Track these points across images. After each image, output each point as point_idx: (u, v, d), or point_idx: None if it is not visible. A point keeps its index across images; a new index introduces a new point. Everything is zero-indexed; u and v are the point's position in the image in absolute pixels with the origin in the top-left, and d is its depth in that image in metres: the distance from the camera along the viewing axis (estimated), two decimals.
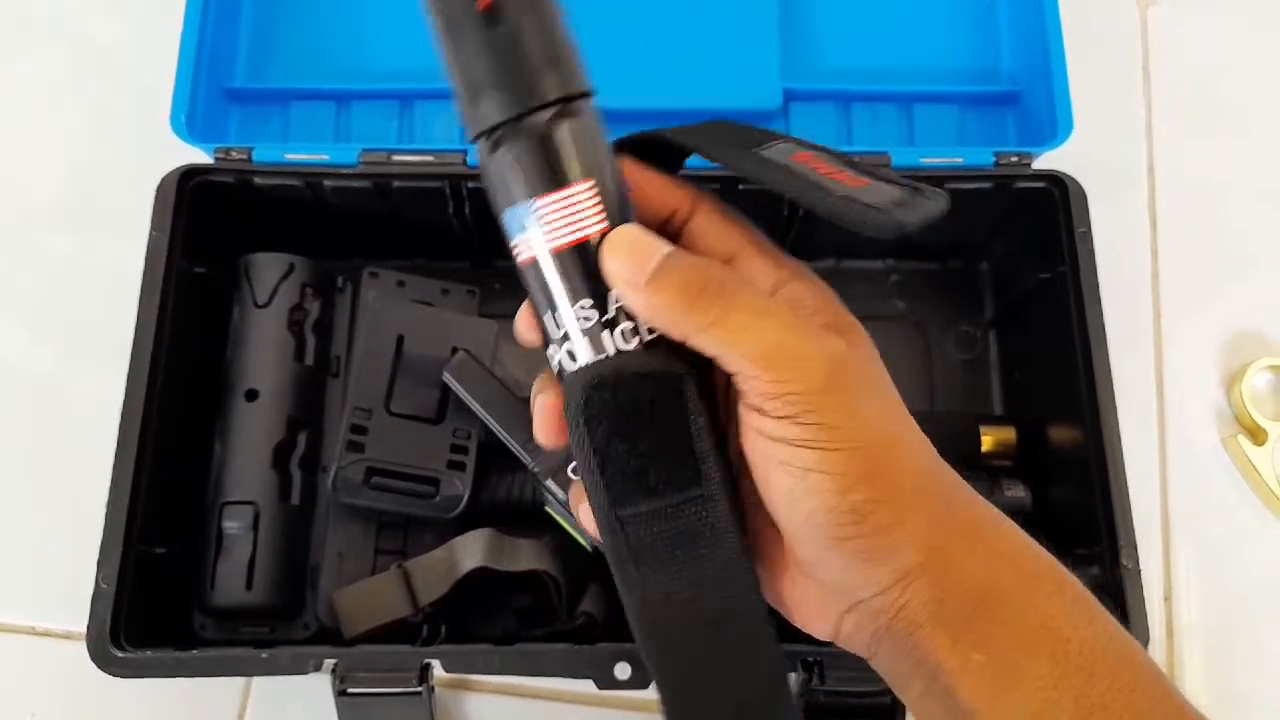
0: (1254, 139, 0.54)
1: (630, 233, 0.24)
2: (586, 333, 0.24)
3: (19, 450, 0.48)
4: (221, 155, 0.43)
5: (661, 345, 0.24)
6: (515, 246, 0.24)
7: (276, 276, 0.46)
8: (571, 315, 0.24)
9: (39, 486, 0.47)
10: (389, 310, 0.45)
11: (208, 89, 0.45)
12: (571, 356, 0.24)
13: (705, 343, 0.23)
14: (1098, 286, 0.42)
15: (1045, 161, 0.44)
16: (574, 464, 0.25)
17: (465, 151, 0.43)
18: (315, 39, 0.49)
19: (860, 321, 0.25)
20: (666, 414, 0.23)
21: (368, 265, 0.48)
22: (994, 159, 0.44)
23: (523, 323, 0.25)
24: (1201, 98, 0.54)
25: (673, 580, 0.25)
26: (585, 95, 0.24)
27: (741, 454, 0.24)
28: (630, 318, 0.24)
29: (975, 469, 0.45)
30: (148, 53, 0.51)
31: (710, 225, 0.26)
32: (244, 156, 0.43)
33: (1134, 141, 0.53)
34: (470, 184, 0.43)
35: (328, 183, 0.43)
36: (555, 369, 0.25)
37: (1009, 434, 0.46)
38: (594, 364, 0.24)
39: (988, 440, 0.45)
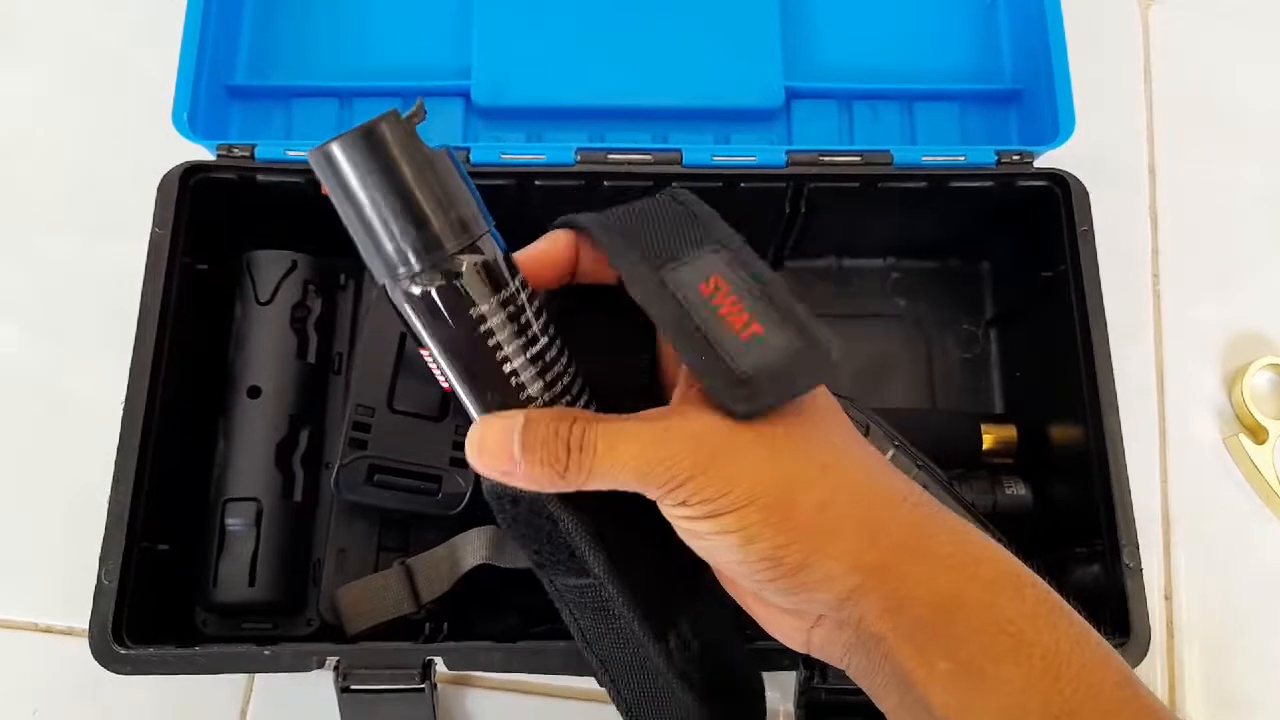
0: (1255, 138, 0.54)
1: (479, 436, 0.26)
2: None
3: (21, 447, 0.48)
4: (224, 152, 0.43)
5: None
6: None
7: (279, 274, 0.46)
8: None
9: (41, 483, 0.47)
10: (391, 308, 0.45)
11: (210, 86, 0.45)
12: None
13: (592, 488, 0.25)
14: (1099, 285, 0.42)
15: (1047, 160, 0.44)
16: None
17: (468, 149, 0.43)
18: (317, 36, 0.49)
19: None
20: (540, 526, 0.27)
21: None
22: (996, 157, 0.44)
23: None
24: (1203, 97, 0.54)
25: (593, 626, 0.29)
26: (413, 273, 0.25)
27: None
28: None
29: (976, 467, 0.45)
30: (149, 50, 0.51)
31: None
32: (246, 154, 0.43)
33: (1135, 140, 0.54)
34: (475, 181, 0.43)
35: None
36: None
37: (1010, 432, 0.46)
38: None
39: (989, 439, 0.45)
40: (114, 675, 0.37)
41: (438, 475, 0.43)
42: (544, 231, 0.29)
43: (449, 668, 0.38)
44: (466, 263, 0.25)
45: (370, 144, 0.24)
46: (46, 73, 0.54)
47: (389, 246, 0.25)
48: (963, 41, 0.50)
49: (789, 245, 0.49)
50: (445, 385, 0.27)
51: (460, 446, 0.43)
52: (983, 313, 0.50)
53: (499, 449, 0.25)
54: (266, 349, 0.45)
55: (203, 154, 0.44)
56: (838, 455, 0.26)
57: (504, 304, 0.26)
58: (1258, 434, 0.48)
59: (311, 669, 0.37)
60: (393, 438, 0.43)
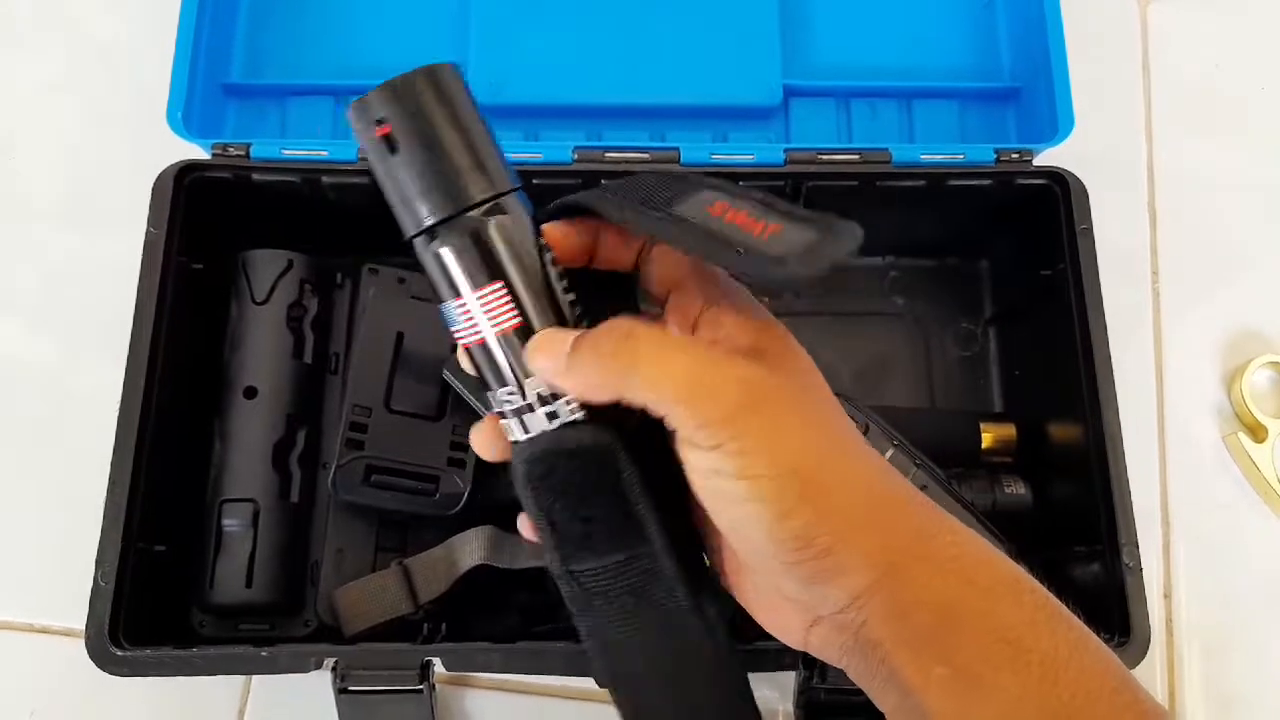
0: (1254, 136, 0.54)
1: (543, 336, 0.25)
2: (517, 412, 0.26)
3: (19, 447, 0.48)
4: (219, 151, 0.43)
5: (590, 418, 0.26)
6: (453, 335, 0.27)
7: (275, 273, 0.46)
8: (503, 397, 0.26)
9: (40, 483, 0.47)
10: (388, 307, 0.45)
11: (205, 84, 0.45)
12: (509, 431, 0.26)
13: (629, 395, 0.24)
14: (1099, 284, 0.42)
15: (1045, 158, 0.44)
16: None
17: None
18: (313, 34, 0.49)
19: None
20: (601, 483, 0.25)
21: (367, 262, 0.48)
22: (994, 156, 0.44)
23: (477, 438, 0.28)
24: (1201, 95, 0.54)
25: (627, 627, 0.27)
26: (480, 204, 0.26)
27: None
28: (557, 398, 0.26)
29: (976, 466, 0.45)
30: (146, 49, 0.50)
31: (659, 258, 0.28)
32: (241, 152, 0.43)
33: (1134, 138, 0.53)
34: None
35: (326, 179, 0.43)
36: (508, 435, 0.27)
37: (1009, 431, 0.46)
38: (530, 440, 0.26)
39: (988, 437, 0.45)
40: (111, 677, 0.36)
41: (435, 475, 0.42)
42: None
43: (447, 668, 0.38)
44: (514, 203, 0.26)
45: (442, 80, 0.25)
46: (45, 70, 0.53)
47: (464, 178, 0.25)
48: (961, 39, 0.49)
49: None
50: (477, 338, 0.26)
51: (456, 447, 0.43)
52: (982, 311, 0.50)
53: (555, 347, 0.25)
54: (263, 349, 0.45)
55: (198, 152, 0.44)
56: (856, 444, 0.26)
57: (545, 248, 0.26)
58: (1257, 432, 0.48)
59: (309, 670, 0.37)
60: (390, 438, 0.43)
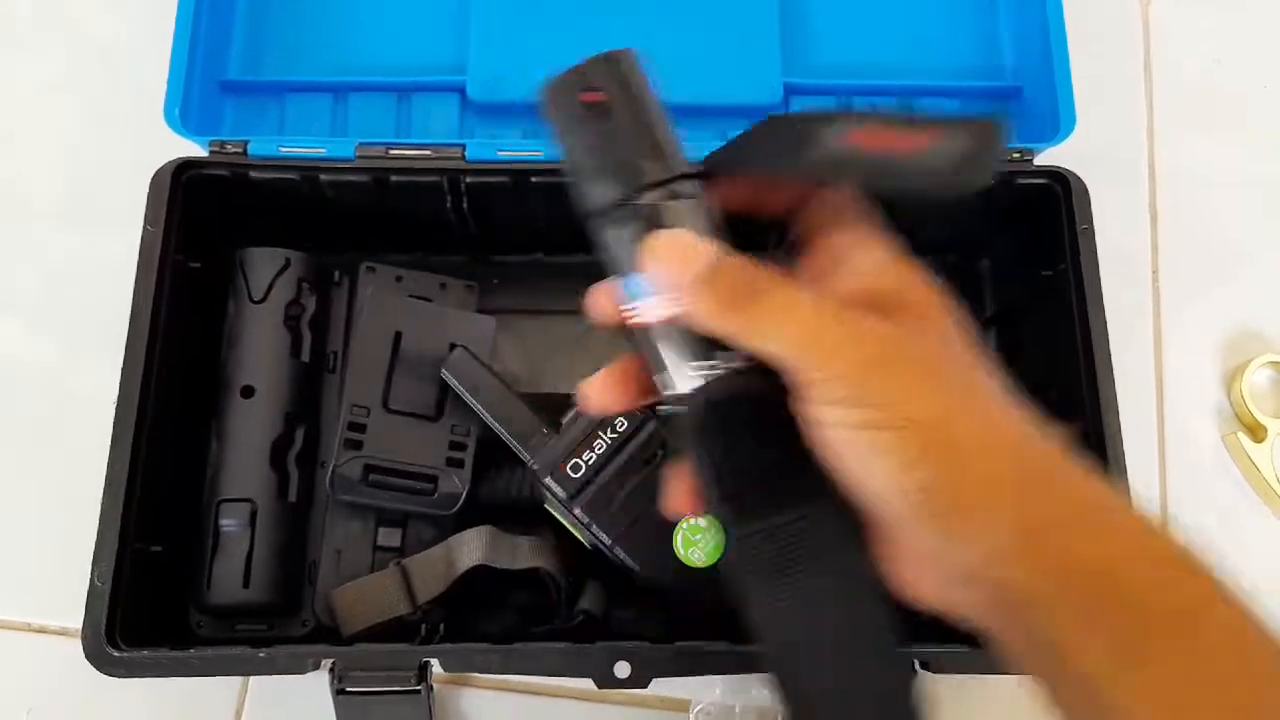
0: (1255, 135, 0.53)
1: (670, 238, 0.24)
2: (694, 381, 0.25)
3: (18, 446, 0.48)
4: (216, 148, 0.43)
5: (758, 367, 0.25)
6: (628, 310, 0.26)
7: (272, 271, 0.45)
8: (683, 373, 0.25)
9: (38, 483, 0.47)
10: (386, 306, 0.45)
11: (202, 81, 0.45)
12: (671, 384, 0.26)
13: (746, 343, 0.24)
14: (1099, 284, 0.42)
15: (1046, 157, 0.44)
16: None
17: (464, 145, 0.43)
18: (311, 30, 0.49)
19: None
20: (781, 430, 0.24)
21: (365, 260, 0.48)
22: None
23: (600, 298, 0.27)
24: (1202, 92, 0.54)
25: (795, 594, 0.25)
26: (686, 177, 0.26)
27: None
28: (727, 348, 0.25)
29: None
30: (146, 48, 0.50)
31: (803, 207, 0.27)
32: (239, 150, 0.43)
33: (1135, 137, 0.53)
34: (468, 179, 0.43)
35: (324, 177, 0.43)
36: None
37: None
38: (704, 385, 0.25)
39: None
40: (108, 677, 0.36)
41: (434, 475, 0.42)
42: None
43: (445, 669, 0.38)
44: (690, 183, 0.26)
45: (636, 62, 0.27)
46: (44, 68, 0.53)
47: (651, 157, 0.26)
48: (963, 38, 0.49)
49: (790, 241, 0.48)
50: (634, 323, 0.26)
51: (455, 446, 0.43)
52: (982, 311, 0.50)
53: (684, 257, 0.24)
54: (260, 347, 0.45)
55: (196, 149, 0.44)
56: (995, 404, 0.24)
57: (717, 229, 0.26)
58: (1256, 432, 0.48)
59: (307, 671, 0.37)
60: (388, 437, 0.43)
